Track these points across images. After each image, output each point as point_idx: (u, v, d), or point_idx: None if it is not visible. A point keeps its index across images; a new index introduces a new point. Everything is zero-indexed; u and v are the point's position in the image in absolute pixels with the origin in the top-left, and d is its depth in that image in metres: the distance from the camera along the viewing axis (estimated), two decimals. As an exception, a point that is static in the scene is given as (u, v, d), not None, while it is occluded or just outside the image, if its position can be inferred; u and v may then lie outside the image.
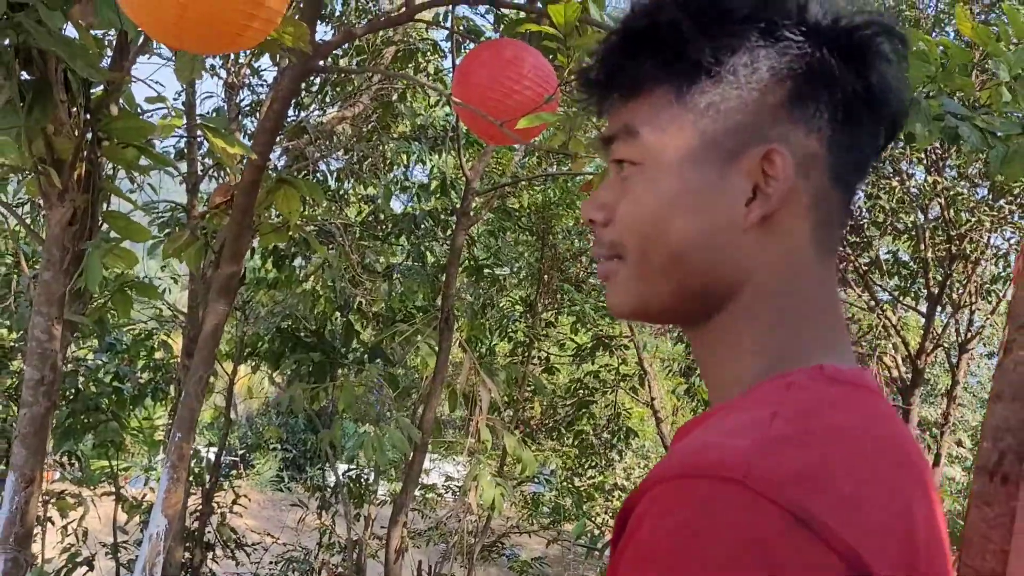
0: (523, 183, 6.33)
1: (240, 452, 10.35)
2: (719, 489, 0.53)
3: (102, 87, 2.90)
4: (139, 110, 3.70)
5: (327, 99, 5.93)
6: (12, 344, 5.61)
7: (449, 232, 6.22)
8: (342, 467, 6.66)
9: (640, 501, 0.57)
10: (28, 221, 5.04)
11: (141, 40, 3.20)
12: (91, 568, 5.28)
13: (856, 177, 0.71)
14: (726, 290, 0.68)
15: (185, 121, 5.20)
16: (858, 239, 6.81)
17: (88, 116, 2.86)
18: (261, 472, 11.56)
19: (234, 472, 8.09)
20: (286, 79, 2.90)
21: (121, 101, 3.12)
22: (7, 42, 2.54)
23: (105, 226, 3.19)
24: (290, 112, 5.63)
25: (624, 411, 7.89)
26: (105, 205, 3.23)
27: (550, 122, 2.43)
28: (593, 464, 8.03)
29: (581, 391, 7.41)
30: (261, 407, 13.20)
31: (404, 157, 6.52)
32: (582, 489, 7.77)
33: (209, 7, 1.67)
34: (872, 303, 6.95)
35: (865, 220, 6.71)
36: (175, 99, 5.36)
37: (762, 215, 0.66)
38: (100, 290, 3.69)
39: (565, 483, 7.82)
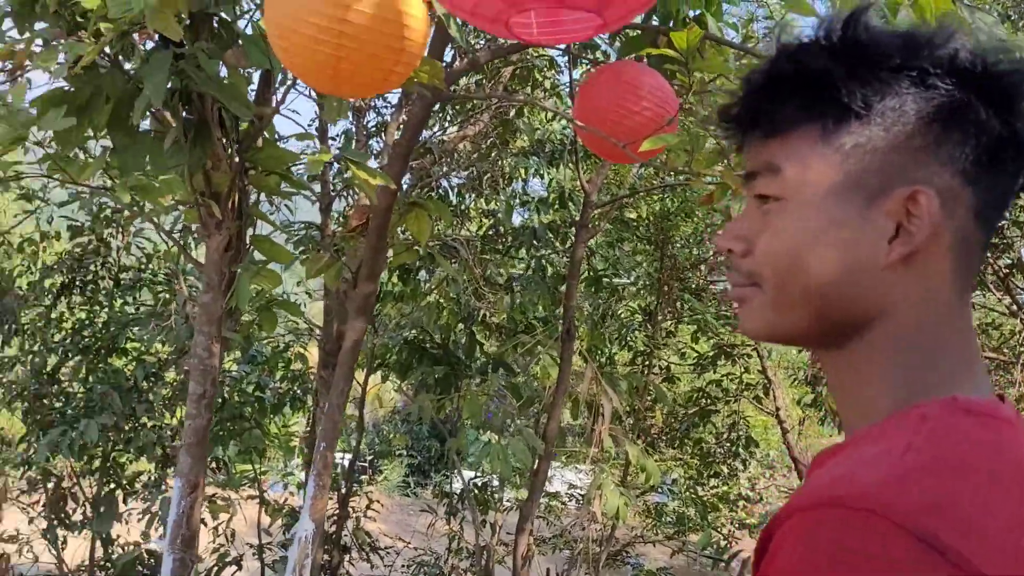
0: (641, 194, 6.35)
1: (369, 458, 10.77)
2: (854, 519, 0.57)
3: (248, 121, 3.14)
4: (276, 136, 3.98)
5: (448, 119, 6.14)
6: (167, 356, 6.06)
7: (568, 244, 6.31)
8: (468, 474, 6.85)
9: (778, 530, 0.61)
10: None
11: (281, 77, 3.45)
12: (239, 567, 5.64)
13: (997, 216, 0.74)
14: (862, 322, 0.72)
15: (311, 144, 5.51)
16: (997, 240, 6.47)
17: (238, 149, 3.11)
18: (389, 478, 11.96)
19: (364, 477, 8.45)
20: (417, 108, 3.06)
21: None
22: (168, 86, 2.80)
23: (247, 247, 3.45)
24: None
25: (745, 420, 7.77)
26: (251, 229, 3.50)
27: (671, 143, 2.48)
28: (715, 473, 7.93)
29: (703, 400, 7.34)
30: (386, 414, 13.67)
31: (522, 171, 6.67)
32: (706, 499, 7.69)
33: (361, 57, 1.82)
34: (1014, 307, 6.58)
35: (1005, 221, 6.38)
36: (309, 125, 5.67)
37: (904, 253, 0.70)
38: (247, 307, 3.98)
39: (688, 493, 7.76)
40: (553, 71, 6.21)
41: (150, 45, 2.84)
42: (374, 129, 6.72)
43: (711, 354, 7.07)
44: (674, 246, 6.59)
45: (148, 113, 2.97)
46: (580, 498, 7.25)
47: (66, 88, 2.64)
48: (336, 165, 5.90)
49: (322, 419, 5.62)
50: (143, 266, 6.62)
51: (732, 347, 7.05)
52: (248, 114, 2.77)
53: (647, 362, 6.87)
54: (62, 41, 2.47)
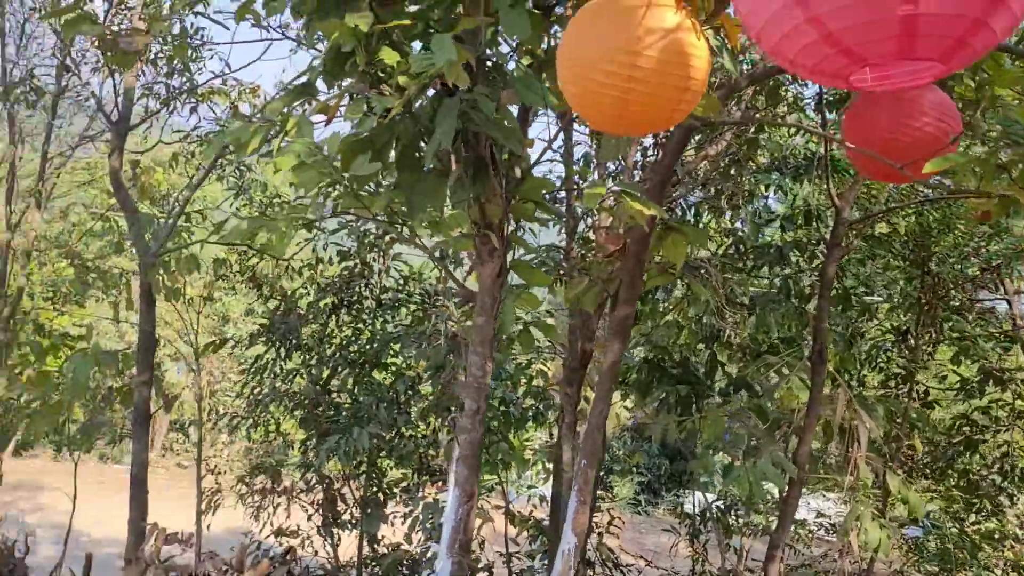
0: (897, 208, 6.00)
1: (600, 474, 10.90)
2: None
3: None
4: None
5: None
6: (423, 372, 6.52)
7: (815, 262, 6.08)
8: (708, 496, 6.76)
9: None
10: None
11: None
12: (491, 574, 5.94)
13: None
14: None
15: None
16: None
17: (506, 182, 3.33)
18: (620, 495, 12.03)
19: (599, 493, 8.57)
20: (678, 134, 3.13)
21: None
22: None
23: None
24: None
25: (1021, 450, 7.04)
26: (511, 255, 3.72)
27: (959, 163, 2.36)
28: (979, 508, 7.24)
29: (968, 428, 6.75)
30: (615, 431, 13.74)
31: (763, 188, 6.52)
32: (970, 536, 7.04)
33: (649, 99, 1.92)
34: None
35: None
36: (556, 150, 5.89)
37: None
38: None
39: (951, 527, 7.15)
40: (797, 83, 6.04)
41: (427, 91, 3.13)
42: (611, 151, 6.84)
43: (977, 379, 6.49)
44: (935, 262, 6.13)
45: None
46: (829, 527, 6.91)
47: (363, 134, 2.98)
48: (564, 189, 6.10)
49: (566, 434, 5.82)
50: (400, 287, 7.18)
51: (1002, 371, 6.43)
52: (520, 149, 2.98)
53: (904, 386, 6.44)
54: (368, 95, 2.79)
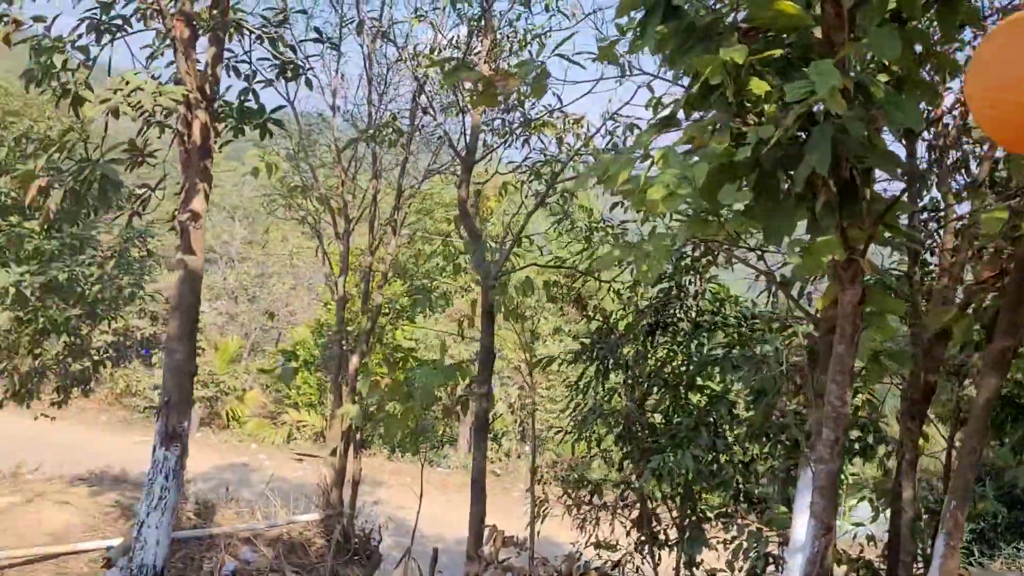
0: None
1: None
2: None
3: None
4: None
5: None
6: (741, 397, 6.43)
7: None
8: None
9: None
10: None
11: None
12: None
13: None
14: None
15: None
16: None
17: (875, 206, 3.21)
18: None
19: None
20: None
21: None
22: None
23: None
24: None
25: None
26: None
27: None
28: None
29: None
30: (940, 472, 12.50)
31: None
32: None
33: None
34: None
35: None
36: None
37: None
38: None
39: None
40: None
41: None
42: (952, 165, 6.32)
43: None
44: None
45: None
46: None
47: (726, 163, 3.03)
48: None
49: (907, 471, 5.42)
50: (716, 310, 7.15)
51: None
52: (895, 172, 2.86)
53: None
54: (733, 124, 2.84)
